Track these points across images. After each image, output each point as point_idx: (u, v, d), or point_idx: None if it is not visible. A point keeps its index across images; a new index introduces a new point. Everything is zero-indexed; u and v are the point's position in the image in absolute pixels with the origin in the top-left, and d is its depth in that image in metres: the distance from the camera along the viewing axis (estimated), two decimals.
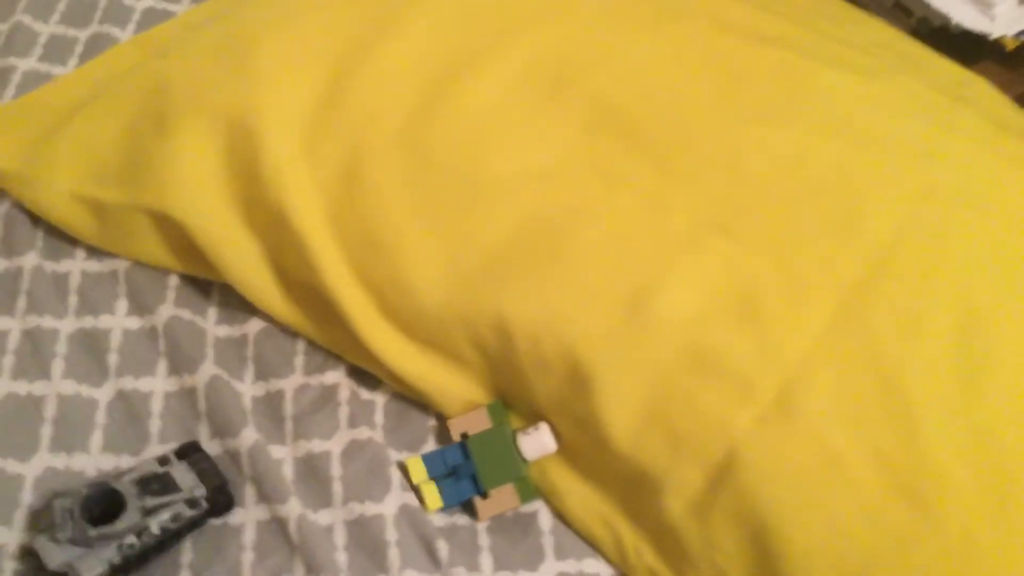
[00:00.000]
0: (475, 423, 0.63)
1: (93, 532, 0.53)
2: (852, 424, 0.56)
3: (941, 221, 0.64)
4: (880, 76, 0.73)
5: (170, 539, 0.57)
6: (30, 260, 0.67)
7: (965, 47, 0.89)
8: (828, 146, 0.68)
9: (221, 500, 0.58)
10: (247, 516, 0.59)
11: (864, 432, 0.56)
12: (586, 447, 0.61)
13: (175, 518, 0.56)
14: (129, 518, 0.54)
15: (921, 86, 0.73)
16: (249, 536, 0.59)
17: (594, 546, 0.62)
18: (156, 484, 0.57)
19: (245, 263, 0.66)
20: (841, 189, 0.66)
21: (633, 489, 0.60)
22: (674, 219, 0.64)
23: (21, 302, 0.65)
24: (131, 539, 0.54)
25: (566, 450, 0.63)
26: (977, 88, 0.78)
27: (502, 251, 0.63)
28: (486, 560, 0.61)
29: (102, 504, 0.55)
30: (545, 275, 0.62)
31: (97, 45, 0.82)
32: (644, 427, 0.58)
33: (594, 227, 0.64)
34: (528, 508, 0.63)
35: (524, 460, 0.62)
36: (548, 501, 0.63)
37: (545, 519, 0.63)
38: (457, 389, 0.64)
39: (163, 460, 0.58)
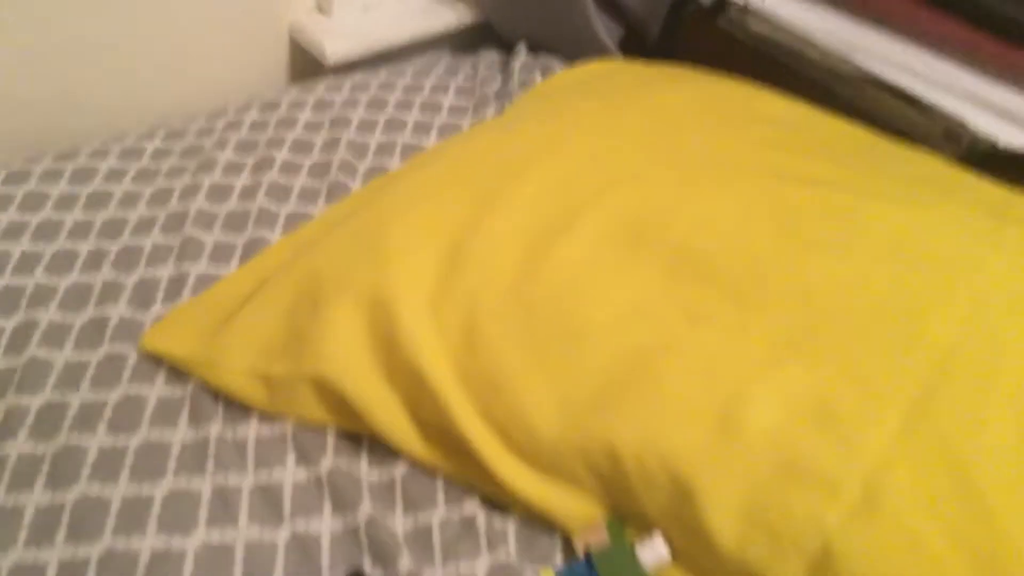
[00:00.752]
0: (596, 537, 0.72)
1: None
2: (931, 511, 0.63)
3: (995, 326, 0.72)
4: (925, 204, 0.83)
5: None
6: (215, 429, 0.81)
7: (1017, 166, 0.96)
8: (884, 269, 0.78)
9: None
10: None
11: (942, 517, 0.63)
12: (697, 553, 0.69)
13: None
14: None
15: (964, 209, 0.83)
16: None
17: None
18: None
19: (389, 416, 0.78)
20: (900, 305, 0.75)
21: None
22: (753, 344, 0.74)
23: (209, 464, 0.78)
24: None
25: (681, 558, 0.70)
26: (1022, 206, 0.87)
27: (604, 385, 0.74)
28: None
29: None
30: (644, 402, 0.72)
31: (253, 247, 0.98)
32: (746, 529, 0.66)
33: (682, 356, 0.74)
34: None
35: (644, 572, 0.70)
36: None
37: None
38: (577, 509, 0.73)
39: None
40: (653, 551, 0.70)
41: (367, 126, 1.21)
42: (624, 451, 0.70)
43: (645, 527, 0.72)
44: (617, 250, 0.83)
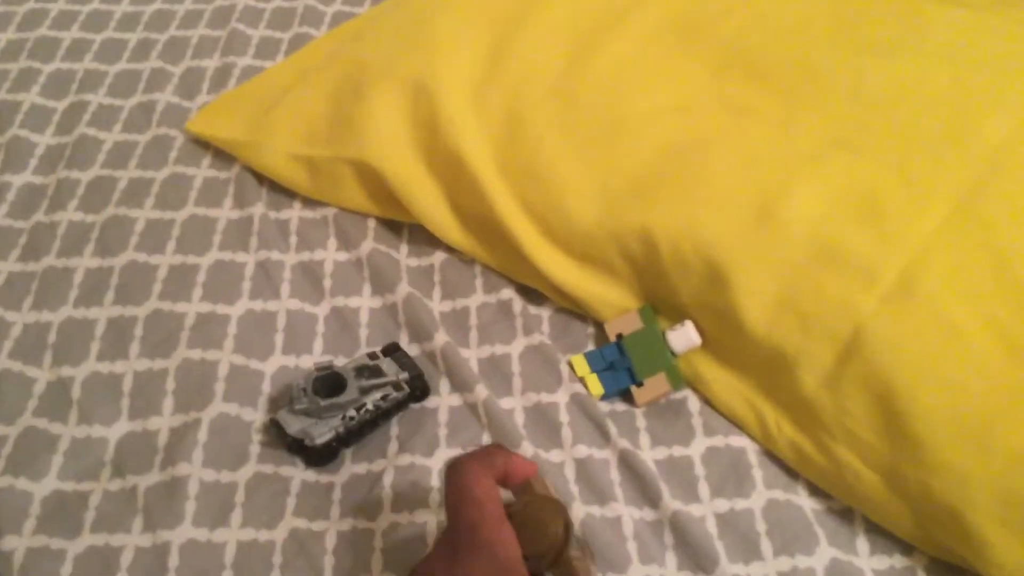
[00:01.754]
0: (628, 325, 0.73)
1: (323, 403, 0.65)
2: (969, 299, 0.63)
3: None
4: (989, 9, 0.79)
5: (381, 416, 0.69)
6: (258, 210, 0.82)
7: None
8: (943, 70, 0.75)
9: (419, 386, 0.70)
10: (441, 402, 0.71)
11: (981, 308, 0.63)
12: (726, 338, 0.70)
13: (384, 398, 0.68)
14: (350, 394, 0.66)
15: None
16: (444, 416, 0.70)
17: (738, 424, 0.69)
18: (368, 372, 0.69)
19: (429, 201, 0.78)
20: (956, 105, 0.73)
21: (770, 371, 0.68)
22: (799, 139, 0.73)
23: (253, 241, 0.80)
24: (352, 412, 0.67)
25: (709, 343, 0.71)
26: None
27: (644, 174, 0.73)
28: (644, 438, 0.70)
29: (328, 384, 0.67)
30: (683, 190, 0.71)
31: (298, 42, 0.98)
32: (777, 314, 0.66)
33: (725, 147, 0.73)
34: (678, 396, 0.71)
35: (673, 354, 0.71)
36: (695, 389, 0.72)
37: (694, 404, 0.71)
38: (610, 297, 0.74)
39: (372, 356, 0.71)
40: (684, 336, 0.70)
41: None
42: (660, 237, 0.70)
43: (676, 316, 0.72)
44: (665, 46, 0.81)
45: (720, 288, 0.68)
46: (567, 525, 0.47)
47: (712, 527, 0.65)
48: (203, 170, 0.86)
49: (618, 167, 0.74)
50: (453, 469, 0.46)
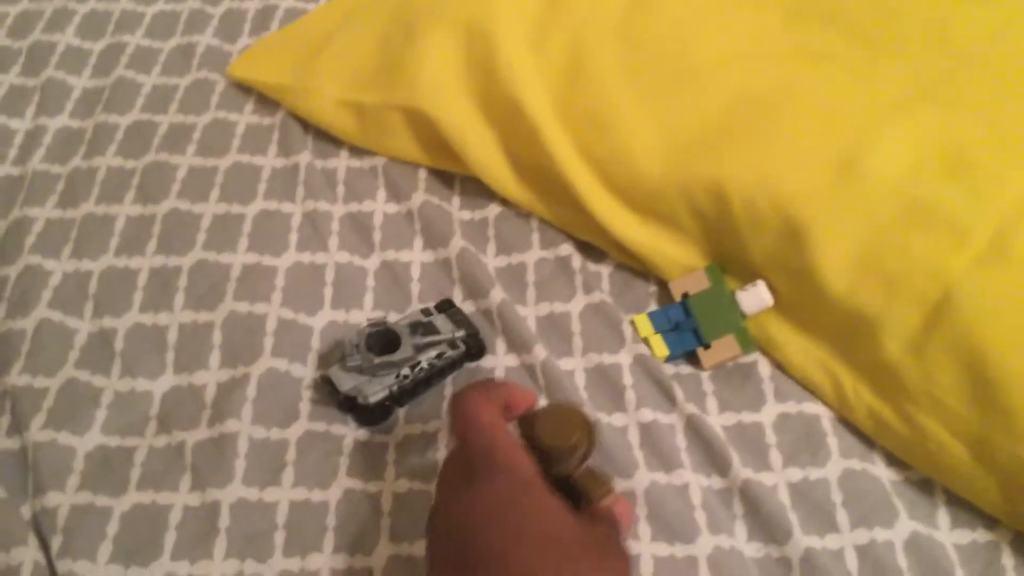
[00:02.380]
0: (694, 284, 0.69)
1: (377, 360, 0.62)
2: None
3: None
4: None
5: (435, 375, 0.66)
6: (304, 158, 0.78)
7: None
8: None
9: (475, 345, 0.67)
10: (497, 362, 0.68)
11: None
12: (802, 299, 0.66)
13: (439, 356, 0.64)
14: (404, 352, 0.63)
15: None
16: (500, 377, 0.67)
17: (813, 390, 0.66)
18: (422, 329, 0.66)
19: (483, 150, 0.74)
20: None
21: (849, 334, 0.64)
22: (881, 89, 0.68)
23: (299, 191, 0.77)
24: (406, 370, 0.63)
25: (782, 304, 0.67)
26: None
27: (714, 124, 0.69)
28: (711, 403, 0.66)
29: (381, 341, 0.64)
30: (758, 141, 0.67)
31: None
32: (859, 274, 0.62)
33: (803, 97, 0.69)
34: (747, 360, 0.68)
35: (743, 315, 0.67)
36: (766, 353, 0.68)
37: (764, 368, 0.67)
38: (676, 254, 0.70)
39: (426, 312, 0.68)
40: (756, 297, 0.67)
41: None
42: (732, 191, 0.66)
43: (746, 275, 0.69)
44: None
45: (797, 246, 0.64)
46: (592, 427, 0.47)
47: (785, 497, 0.61)
48: (246, 116, 0.82)
49: (688, 116, 0.70)
50: (456, 401, 0.48)
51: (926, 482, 0.62)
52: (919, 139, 0.65)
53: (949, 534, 0.60)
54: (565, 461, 0.47)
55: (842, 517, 0.60)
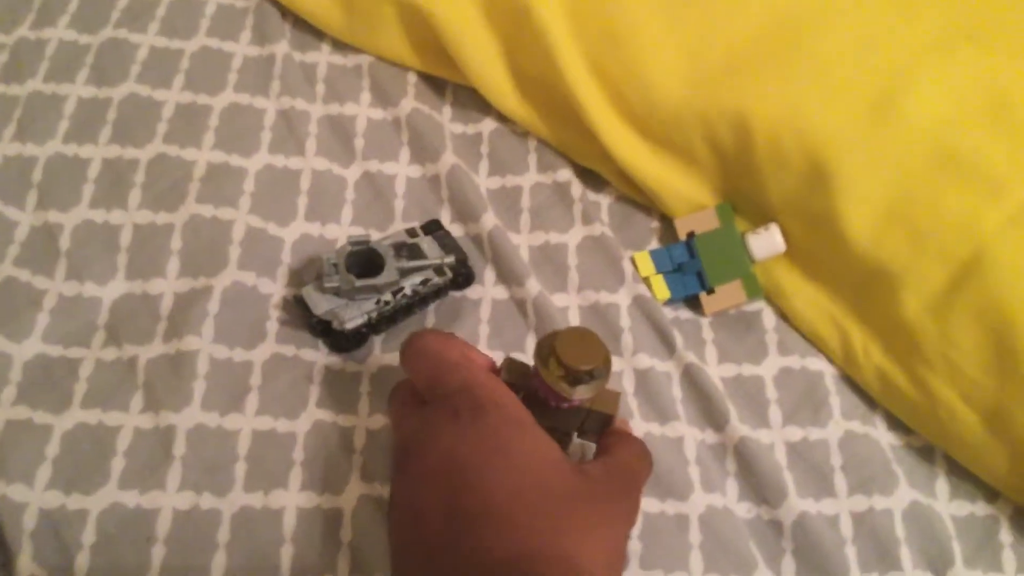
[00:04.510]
0: (702, 223, 0.64)
1: (358, 283, 0.56)
2: None
3: None
4: None
5: (418, 303, 0.60)
6: (281, 48, 0.70)
7: None
8: None
9: (464, 272, 0.61)
10: (485, 293, 0.62)
11: None
12: (818, 247, 0.61)
13: (424, 283, 0.59)
14: (388, 276, 0.57)
15: None
16: (486, 311, 0.62)
17: (819, 346, 0.62)
18: (407, 251, 0.60)
19: (482, 56, 0.67)
20: None
21: (865, 288, 0.60)
22: (922, 25, 0.63)
23: (275, 85, 0.69)
24: (387, 296, 0.58)
25: (795, 252, 0.63)
26: None
27: (743, 49, 0.63)
28: (711, 352, 0.62)
29: (363, 262, 0.58)
30: (789, 73, 0.61)
31: None
32: (885, 224, 0.58)
33: (840, 29, 0.63)
34: (751, 308, 0.64)
35: (752, 260, 0.63)
36: (773, 302, 0.64)
37: (769, 318, 0.63)
38: (686, 189, 0.65)
39: (411, 232, 0.62)
40: (768, 241, 0.62)
41: None
42: (756, 123, 0.61)
43: (759, 218, 0.64)
44: None
45: (821, 190, 0.59)
46: (609, 354, 0.44)
47: (782, 457, 0.58)
48: None
49: (714, 38, 0.63)
50: (413, 341, 0.45)
51: (927, 449, 0.60)
52: (959, 83, 0.60)
53: (947, 505, 0.58)
54: (583, 384, 0.43)
55: (840, 482, 0.57)
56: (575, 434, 0.48)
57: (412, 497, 0.41)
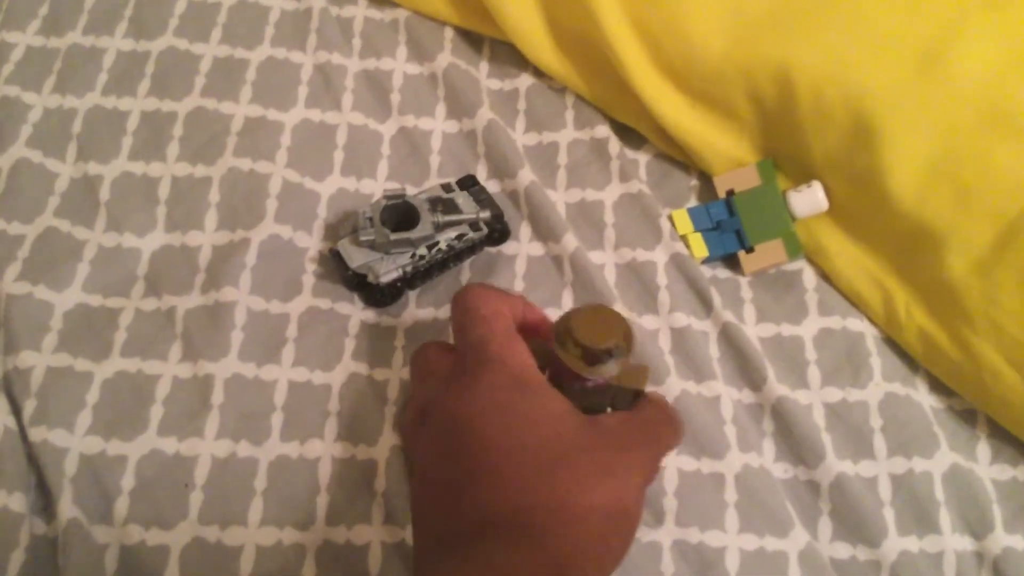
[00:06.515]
0: (743, 180, 0.63)
1: (393, 237, 0.56)
2: None
3: None
4: None
5: (453, 258, 0.60)
6: (318, 3, 0.70)
7: None
8: None
9: (499, 228, 0.61)
10: (521, 249, 0.62)
11: None
12: (861, 206, 0.60)
13: (459, 237, 0.58)
14: (423, 230, 0.57)
15: None
16: (522, 266, 0.61)
17: (860, 306, 0.61)
18: (443, 206, 0.59)
19: (520, 10, 0.67)
20: None
21: (909, 248, 0.58)
22: None
23: (311, 40, 0.69)
24: (423, 250, 0.57)
25: (837, 210, 0.61)
26: None
27: (787, 1, 0.61)
28: (749, 312, 0.61)
29: (398, 215, 0.58)
30: (834, 25, 0.60)
31: None
32: (931, 182, 0.56)
33: None
34: (791, 267, 0.62)
35: (793, 218, 0.62)
36: (813, 261, 0.62)
37: (809, 278, 0.62)
38: (726, 146, 0.64)
39: (447, 188, 0.61)
40: (810, 199, 0.61)
41: None
42: (799, 78, 0.59)
43: (800, 176, 0.62)
44: None
45: (866, 146, 0.58)
46: (631, 331, 0.42)
47: (820, 418, 0.57)
48: None
49: None
50: (460, 293, 0.45)
51: (969, 412, 0.58)
52: (1008, 37, 0.58)
53: (988, 469, 0.57)
54: (603, 364, 0.42)
55: (879, 443, 0.56)
56: (609, 411, 0.47)
57: (422, 457, 0.42)
